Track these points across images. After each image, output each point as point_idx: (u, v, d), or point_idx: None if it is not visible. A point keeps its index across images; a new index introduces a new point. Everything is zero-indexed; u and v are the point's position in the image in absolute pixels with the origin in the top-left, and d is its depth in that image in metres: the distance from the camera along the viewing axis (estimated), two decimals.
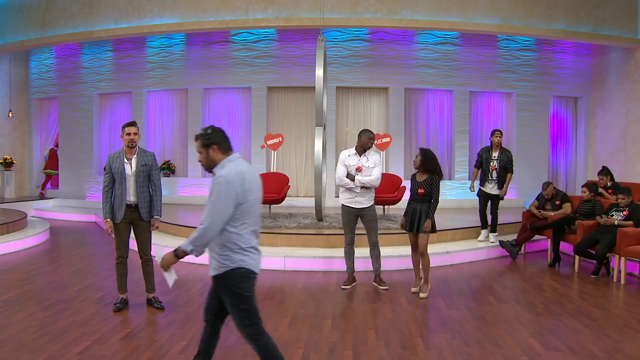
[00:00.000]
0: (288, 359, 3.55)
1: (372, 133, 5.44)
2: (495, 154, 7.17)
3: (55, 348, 3.67)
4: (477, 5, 9.76)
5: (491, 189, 7.18)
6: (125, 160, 4.54)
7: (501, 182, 7.12)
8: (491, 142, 7.23)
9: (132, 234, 4.69)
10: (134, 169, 4.52)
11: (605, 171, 7.99)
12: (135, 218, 4.59)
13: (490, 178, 7.16)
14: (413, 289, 5.34)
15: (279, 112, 11.87)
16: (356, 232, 5.55)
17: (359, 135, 5.43)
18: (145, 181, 4.56)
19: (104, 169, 4.63)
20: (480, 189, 7.33)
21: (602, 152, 11.60)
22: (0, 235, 7.79)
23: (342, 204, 5.45)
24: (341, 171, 5.37)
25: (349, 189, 5.35)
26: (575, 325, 4.32)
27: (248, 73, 11.52)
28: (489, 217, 7.42)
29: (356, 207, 5.36)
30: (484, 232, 7.44)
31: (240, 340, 3.90)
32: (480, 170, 7.33)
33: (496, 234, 7.38)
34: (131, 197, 4.53)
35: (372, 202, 5.44)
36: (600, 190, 7.66)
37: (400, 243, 6.98)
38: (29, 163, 13.61)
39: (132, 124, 4.60)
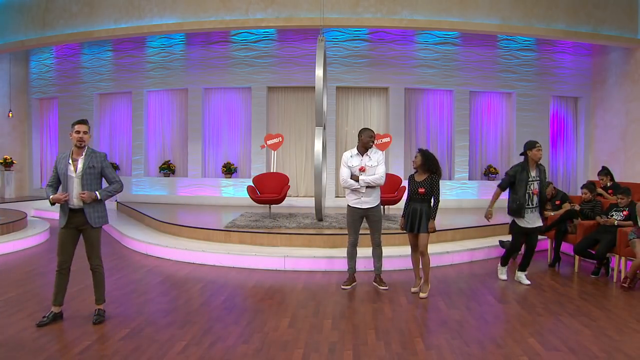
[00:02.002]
0: (288, 359, 3.55)
1: (372, 131, 5.43)
2: (533, 173, 5.57)
3: (55, 348, 3.67)
4: (477, 5, 9.76)
5: (534, 220, 5.62)
6: (70, 162, 4.19)
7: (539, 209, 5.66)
8: (527, 157, 5.57)
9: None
10: (79, 170, 4.19)
11: (605, 171, 7.99)
12: (82, 223, 4.25)
13: (531, 205, 5.56)
14: (413, 289, 5.34)
15: (279, 112, 11.87)
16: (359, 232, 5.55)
17: (359, 135, 5.41)
18: (93, 184, 4.22)
19: (52, 169, 4.33)
20: (516, 223, 5.67)
21: (602, 152, 11.61)
22: (0, 235, 7.80)
23: (348, 205, 5.45)
24: (345, 173, 5.37)
25: (355, 190, 5.34)
26: (575, 325, 4.32)
27: (248, 73, 11.53)
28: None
29: (362, 207, 5.35)
30: (504, 269, 6.00)
31: (240, 340, 3.90)
32: (503, 194, 5.72)
33: (526, 272, 5.89)
34: (74, 200, 4.19)
35: (378, 202, 5.44)
36: (600, 190, 7.66)
37: (400, 243, 6.98)
38: (29, 163, 13.62)
39: (83, 122, 4.25)
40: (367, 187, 5.30)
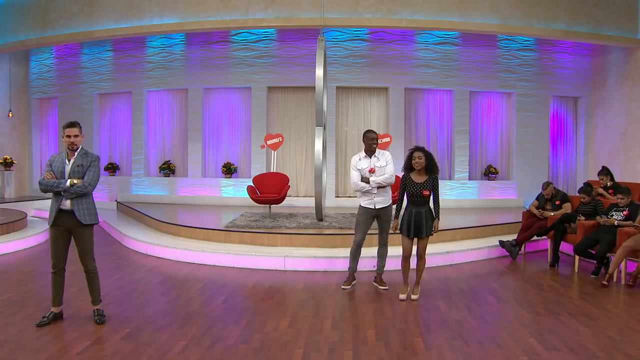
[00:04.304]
0: (288, 359, 3.55)
1: (373, 132, 5.43)
2: None
3: (55, 348, 3.67)
4: (477, 5, 9.76)
5: None
6: (67, 162, 4.17)
7: None
8: None
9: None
10: (68, 170, 4.14)
11: (605, 171, 7.98)
12: (73, 225, 4.21)
13: None
14: (402, 296, 5.09)
15: (279, 112, 11.86)
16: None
17: (363, 137, 5.47)
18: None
19: (46, 166, 4.25)
20: None
21: (602, 152, 11.60)
22: (0, 235, 7.79)
23: (360, 205, 5.46)
24: (355, 176, 5.39)
25: (366, 192, 5.35)
26: (575, 325, 4.32)
27: (248, 73, 11.52)
28: None
29: (375, 207, 5.38)
30: None
31: (240, 340, 3.90)
32: None
33: None
34: (67, 202, 4.15)
35: (390, 202, 5.48)
36: (600, 190, 7.66)
37: (400, 243, 6.95)
38: (29, 163, 13.61)
39: (73, 124, 4.13)
40: (379, 187, 5.32)
